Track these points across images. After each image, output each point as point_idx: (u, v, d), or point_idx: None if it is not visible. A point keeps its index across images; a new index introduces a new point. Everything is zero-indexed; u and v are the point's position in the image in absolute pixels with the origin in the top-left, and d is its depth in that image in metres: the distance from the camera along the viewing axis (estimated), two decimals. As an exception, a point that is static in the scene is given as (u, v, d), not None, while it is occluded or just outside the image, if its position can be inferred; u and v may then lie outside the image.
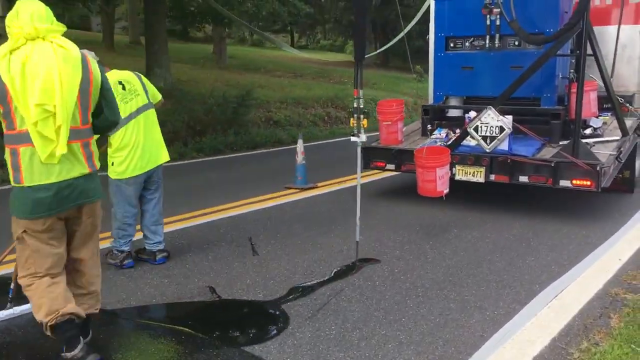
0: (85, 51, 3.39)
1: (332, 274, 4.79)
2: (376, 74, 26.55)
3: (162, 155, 5.02)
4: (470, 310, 4.09)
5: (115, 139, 4.73)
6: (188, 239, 5.70)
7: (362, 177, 8.53)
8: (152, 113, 4.94)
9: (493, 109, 6.44)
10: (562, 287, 4.51)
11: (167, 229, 5.93)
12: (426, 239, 5.72)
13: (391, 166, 7.14)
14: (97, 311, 3.45)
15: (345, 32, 36.36)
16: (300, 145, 8.30)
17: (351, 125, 5.06)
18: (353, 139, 5.10)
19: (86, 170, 3.21)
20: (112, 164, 4.81)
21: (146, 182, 4.95)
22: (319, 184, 8.30)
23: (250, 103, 13.55)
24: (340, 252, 5.34)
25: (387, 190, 7.95)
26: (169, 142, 11.35)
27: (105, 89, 3.33)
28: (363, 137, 5.05)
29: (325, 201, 7.39)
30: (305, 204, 7.24)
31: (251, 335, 3.75)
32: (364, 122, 4.98)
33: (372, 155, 7.33)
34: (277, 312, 4.06)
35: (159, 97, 5.12)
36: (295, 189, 8.07)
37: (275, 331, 3.77)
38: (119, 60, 16.80)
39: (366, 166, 7.40)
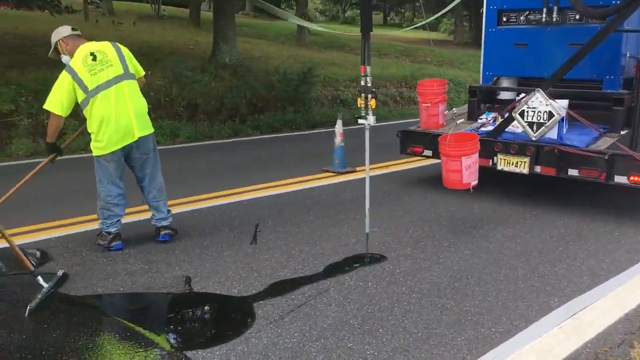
0: None
1: (323, 271, 4.34)
2: (465, 54, 25.36)
3: (142, 129, 4.60)
4: (463, 325, 3.53)
5: (86, 112, 4.47)
6: (196, 221, 5.43)
7: (401, 163, 8.13)
8: (128, 85, 4.57)
9: (542, 92, 5.69)
10: (586, 303, 3.83)
11: (182, 208, 5.74)
12: (448, 236, 5.13)
13: (428, 152, 6.54)
14: None
15: (435, 10, 34.98)
16: (339, 127, 7.84)
17: (359, 105, 4.56)
18: (360, 121, 4.60)
19: None
20: (91, 139, 4.56)
21: (129, 158, 4.68)
22: (358, 168, 7.80)
23: (312, 80, 13.14)
24: (346, 245, 4.87)
25: (424, 179, 7.32)
26: (227, 118, 11.40)
27: None
28: (371, 120, 4.54)
29: (357, 187, 6.89)
30: (333, 190, 6.78)
31: (201, 337, 3.40)
32: (372, 102, 4.46)
33: (409, 140, 6.76)
34: (243, 312, 3.69)
35: (142, 71, 4.80)
36: (332, 172, 7.64)
37: (229, 335, 3.40)
38: (201, 37, 17.00)
39: (402, 151, 6.86)
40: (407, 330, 3.46)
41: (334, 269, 4.37)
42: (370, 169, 8.06)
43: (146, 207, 4.98)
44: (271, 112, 12.20)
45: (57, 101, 4.40)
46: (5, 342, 3.25)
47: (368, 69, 4.45)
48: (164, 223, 4.87)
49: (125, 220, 4.89)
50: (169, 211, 4.94)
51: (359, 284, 4.10)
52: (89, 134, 4.57)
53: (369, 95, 4.45)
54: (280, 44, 21.04)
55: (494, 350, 3.26)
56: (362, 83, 4.49)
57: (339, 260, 4.56)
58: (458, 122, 6.51)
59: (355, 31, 22.00)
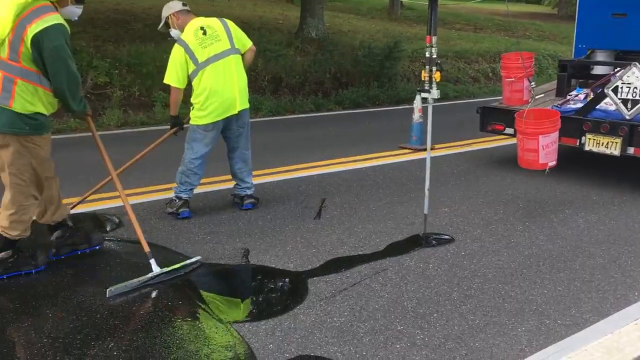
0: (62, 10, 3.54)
1: (383, 249, 4.19)
2: (569, 27, 23.84)
3: (243, 103, 4.74)
4: (526, 315, 3.29)
5: (195, 83, 4.61)
6: (265, 193, 5.39)
7: (482, 141, 7.74)
8: (235, 59, 4.71)
9: (639, 66, 5.18)
10: (671, 299, 3.47)
11: (259, 180, 5.73)
12: (523, 219, 4.82)
13: (510, 130, 6.15)
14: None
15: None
16: (417, 102, 7.57)
17: (422, 78, 4.33)
18: (423, 95, 4.37)
19: None
20: (192, 108, 4.70)
21: (227, 129, 4.79)
22: (437, 146, 7.51)
23: (398, 55, 12.80)
24: (411, 224, 4.69)
25: (505, 159, 6.91)
26: (310, 92, 11.35)
27: (44, 49, 3.34)
28: (435, 93, 4.30)
29: (433, 166, 6.62)
30: (407, 167, 6.56)
31: (250, 310, 3.36)
32: (437, 75, 4.22)
33: (490, 117, 6.40)
34: (296, 287, 3.62)
35: (249, 44, 4.86)
36: (409, 149, 7.41)
37: (278, 310, 3.34)
38: (291, 11, 17.04)
39: (482, 129, 6.51)
40: (464, 317, 3.26)
41: (395, 249, 4.21)
42: (449, 146, 7.81)
43: (215, 178, 5.02)
44: (355, 87, 12.02)
45: (174, 74, 4.59)
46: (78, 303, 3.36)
47: (434, 39, 4.22)
48: (248, 192, 4.98)
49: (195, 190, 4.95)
50: (251, 181, 5.03)
51: (419, 265, 3.93)
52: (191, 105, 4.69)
53: (434, 68, 4.22)
54: (370, 18, 20.69)
55: (558, 344, 3.01)
56: (427, 54, 4.26)
57: (402, 239, 4.38)
58: (537, 97, 6.08)
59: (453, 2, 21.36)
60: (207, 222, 4.70)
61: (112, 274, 3.72)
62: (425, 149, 7.28)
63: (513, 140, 6.91)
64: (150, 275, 3.55)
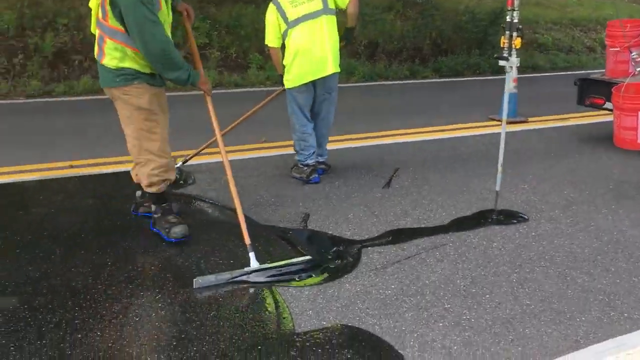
0: None
1: (447, 224, 4.02)
2: None
3: (333, 67, 4.64)
4: (589, 305, 3.04)
5: (286, 43, 4.61)
6: (339, 160, 5.33)
7: (581, 116, 7.16)
8: (327, 19, 4.60)
9: None
10: None
11: (338, 145, 5.70)
12: (610, 202, 4.45)
13: (610, 105, 5.66)
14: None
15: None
16: (513, 71, 7.11)
17: (501, 44, 4.04)
18: (501, 62, 4.09)
19: (96, 57, 3.40)
20: (285, 71, 4.69)
21: (315, 92, 4.71)
22: (531, 119, 7.10)
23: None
24: (484, 200, 4.47)
25: (602, 136, 6.33)
26: (407, 58, 11.06)
27: (119, 6, 3.21)
28: (514, 61, 4.00)
29: (522, 139, 6.29)
30: (494, 140, 6.22)
31: (297, 275, 3.34)
32: (517, 41, 3.92)
33: (590, 90, 5.93)
34: (348, 256, 3.55)
35: (346, 0, 4.67)
36: (499, 121, 7.01)
37: (325, 277, 3.30)
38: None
39: (580, 102, 6.06)
40: (519, 301, 3.07)
41: (460, 224, 4.03)
42: (543, 120, 7.34)
43: (286, 142, 5.01)
44: (455, 54, 11.58)
45: (269, 34, 4.64)
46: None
47: (516, 2, 3.91)
48: (320, 159, 4.94)
49: (262, 154, 4.99)
50: (325, 149, 4.99)
51: (482, 242, 3.74)
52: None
53: (514, 34, 3.91)
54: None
55: (617, 339, 2.77)
56: (508, 19, 3.97)
57: (470, 215, 4.19)
58: (638, 70, 5.52)
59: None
60: (275, 185, 4.72)
61: (200, 252, 3.53)
62: (517, 121, 6.93)
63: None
64: (246, 269, 3.19)
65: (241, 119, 4.95)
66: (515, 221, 4.08)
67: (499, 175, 4.20)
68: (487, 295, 3.12)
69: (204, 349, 2.60)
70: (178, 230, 3.51)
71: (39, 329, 2.70)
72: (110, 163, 5.16)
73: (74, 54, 9.11)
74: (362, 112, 7.41)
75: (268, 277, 3.19)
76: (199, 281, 3.07)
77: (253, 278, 3.16)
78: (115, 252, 3.48)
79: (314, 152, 4.78)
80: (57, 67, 8.91)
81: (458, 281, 3.25)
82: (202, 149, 4.93)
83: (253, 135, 5.95)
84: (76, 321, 2.77)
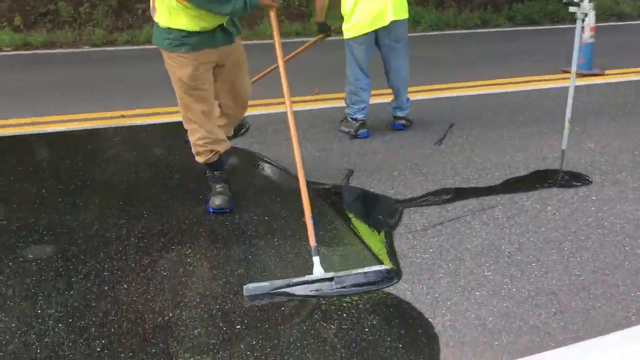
0: None
1: (500, 184, 3.77)
2: None
3: (396, 13, 4.34)
4: (648, 279, 2.77)
5: None
6: (423, 111, 5.11)
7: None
8: None
9: None
10: None
11: (388, 99, 5.44)
12: (686, 165, 4.05)
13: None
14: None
15: None
16: (590, 19, 6.58)
17: (568, -12, 3.66)
18: (572, 9, 3.72)
19: (150, 12, 3.14)
20: (344, 21, 4.48)
21: (379, 44, 4.48)
22: (608, 72, 6.57)
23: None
24: (543, 159, 4.17)
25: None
26: (479, 5, 10.48)
27: None
28: (587, 6, 3.63)
29: (597, 94, 5.85)
30: (564, 94, 5.80)
31: (329, 233, 3.20)
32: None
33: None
34: (387, 216, 3.39)
35: None
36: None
37: (358, 236, 3.16)
38: None
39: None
40: (568, 271, 2.83)
41: (514, 185, 3.77)
42: (621, 73, 6.76)
43: (334, 94, 4.84)
44: (531, 0, 10.86)
45: None
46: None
47: (586, -62, 3.50)
48: (400, 113, 4.75)
49: (312, 106, 4.84)
50: (407, 100, 4.75)
51: (535, 206, 3.48)
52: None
53: (587, -26, 3.53)
54: None
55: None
56: (579, -42, 3.57)
57: (525, 175, 3.91)
58: None
59: None
60: (323, 139, 4.58)
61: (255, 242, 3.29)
62: (592, 74, 6.43)
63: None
64: (307, 278, 2.65)
65: (269, 69, 4.68)
66: (577, 183, 3.77)
67: (566, 132, 3.89)
68: (534, 264, 2.89)
69: (226, 307, 2.53)
70: (217, 201, 3.37)
71: (69, 279, 2.72)
72: (161, 113, 5.15)
73: (138, 3, 9.16)
74: (424, 63, 7.08)
75: (335, 288, 2.62)
76: (249, 288, 2.58)
77: (316, 288, 2.61)
78: (153, 205, 3.46)
79: (364, 108, 4.59)
80: (121, 16, 9.00)
81: (503, 247, 3.04)
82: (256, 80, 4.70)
83: (305, 87, 5.79)
84: (105, 273, 2.77)
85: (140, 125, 4.88)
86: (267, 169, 4.08)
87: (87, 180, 3.79)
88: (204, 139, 3.30)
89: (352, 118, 4.60)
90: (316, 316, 2.48)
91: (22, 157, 4.22)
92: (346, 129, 4.62)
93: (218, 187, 3.43)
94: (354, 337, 2.35)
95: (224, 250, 2.99)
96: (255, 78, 4.58)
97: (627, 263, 2.90)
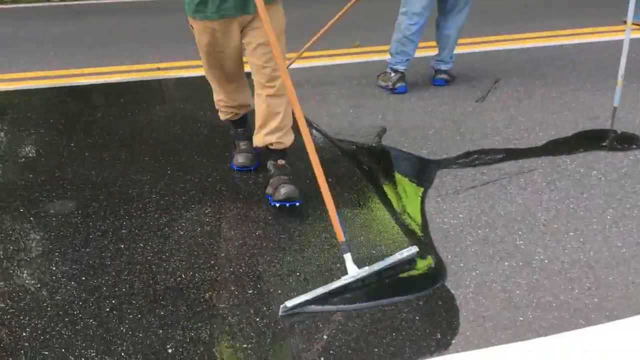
0: None
1: (543, 145, 3.53)
2: None
3: None
4: (697, 254, 2.54)
5: None
6: (468, 66, 4.86)
7: None
8: None
9: None
10: None
11: (433, 52, 5.20)
12: None
13: None
14: None
15: None
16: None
17: None
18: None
19: None
20: None
21: None
22: (673, 23, 6.04)
23: None
24: (594, 119, 3.88)
25: None
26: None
27: None
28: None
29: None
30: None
31: (352, 194, 3.07)
32: None
33: None
34: (417, 177, 3.23)
35: None
36: (635, 24, 6.05)
37: (384, 200, 3.01)
38: None
39: None
40: (608, 241, 2.63)
41: (559, 146, 3.53)
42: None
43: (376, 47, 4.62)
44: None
45: None
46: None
47: None
48: (443, 67, 4.50)
49: (351, 60, 4.65)
50: (451, 56, 4.50)
51: (579, 170, 3.24)
52: None
53: None
54: None
55: None
56: None
57: (572, 135, 3.65)
58: None
59: None
60: (358, 94, 4.40)
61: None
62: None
63: None
64: (344, 279, 2.31)
65: (328, 26, 4.51)
66: (629, 146, 3.49)
67: (618, 89, 3.60)
68: (571, 233, 2.69)
69: (240, 270, 2.46)
70: (240, 159, 3.26)
71: (87, 235, 2.70)
72: (195, 67, 5.06)
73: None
74: (474, 12, 6.69)
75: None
76: (286, 306, 2.17)
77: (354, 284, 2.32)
78: (178, 161, 3.40)
79: (407, 60, 4.35)
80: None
81: (539, 214, 2.84)
82: (304, 50, 4.57)
83: (345, 39, 5.58)
84: (123, 230, 2.74)
85: (175, 78, 4.81)
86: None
87: (116, 135, 3.75)
88: (223, 102, 3.20)
89: (392, 69, 4.38)
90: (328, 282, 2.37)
91: (54, 109, 4.22)
92: (383, 83, 4.42)
93: (242, 144, 3.32)
94: (367, 307, 2.24)
95: (244, 210, 2.91)
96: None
97: (676, 235, 2.66)
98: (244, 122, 3.32)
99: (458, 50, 5.08)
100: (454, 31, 4.36)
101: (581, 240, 2.64)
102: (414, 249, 2.51)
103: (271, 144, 2.95)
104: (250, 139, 3.29)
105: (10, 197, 3.02)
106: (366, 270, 2.35)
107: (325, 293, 2.24)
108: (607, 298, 2.28)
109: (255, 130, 2.98)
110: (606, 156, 3.38)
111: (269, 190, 2.90)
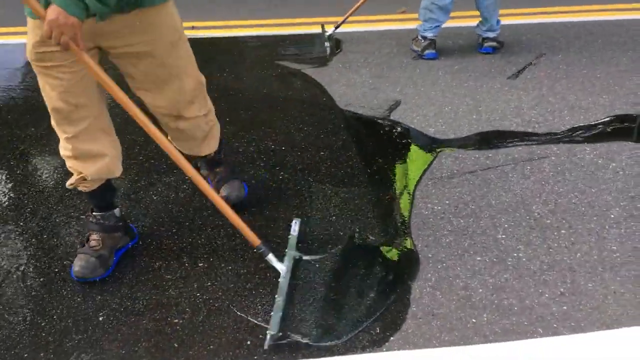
0: None
1: (563, 132, 3.24)
2: None
3: None
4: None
5: None
6: (513, 38, 4.56)
7: None
8: None
9: None
10: None
11: (474, 22, 4.90)
12: None
13: None
14: None
15: None
16: None
17: None
18: None
19: None
20: None
21: None
22: None
23: None
24: (635, 104, 3.52)
25: None
26: None
27: None
28: None
29: None
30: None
31: (347, 171, 2.94)
32: None
33: None
34: (417, 157, 3.05)
35: None
36: None
37: (374, 178, 2.87)
38: None
39: None
40: (601, 244, 2.38)
41: (582, 133, 3.22)
42: None
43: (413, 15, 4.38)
44: None
45: None
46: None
47: None
48: (490, 35, 4.29)
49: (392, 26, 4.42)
50: (498, 22, 4.27)
51: (597, 160, 2.94)
52: None
53: None
54: None
55: None
56: None
57: (600, 122, 3.32)
58: None
59: None
60: (383, 63, 4.20)
61: None
62: None
63: None
64: (286, 281, 2.05)
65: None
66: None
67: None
68: (563, 231, 2.46)
69: (199, 242, 2.42)
70: (77, 266, 2.18)
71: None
72: (232, 27, 5.01)
73: None
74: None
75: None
76: (272, 337, 1.91)
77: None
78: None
79: (437, 27, 4.15)
80: None
81: (534, 207, 2.61)
82: (349, 15, 4.42)
83: (391, 5, 5.33)
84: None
85: (213, 38, 4.77)
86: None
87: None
88: (63, 149, 2.10)
89: (421, 36, 4.21)
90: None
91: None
92: (415, 48, 4.27)
93: (91, 239, 2.23)
94: (316, 292, 2.14)
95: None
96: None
97: (682, 244, 2.37)
98: (104, 197, 2.27)
99: (507, 20, 4.75)
100: (494, 2, 4.14)
101: (572, 239, 2.41)
102: (296, 222, 2.32)
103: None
104: (110, 229, 2.27)
105: None
106: (290, 261, 2.13)
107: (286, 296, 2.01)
108: (579, 307, 2.07)
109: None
110: (633, 148, 3.05)
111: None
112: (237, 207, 2.30)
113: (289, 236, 2.27)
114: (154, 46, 1.97)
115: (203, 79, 2.24)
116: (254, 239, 2.08)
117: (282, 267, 2.08)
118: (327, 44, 4.36)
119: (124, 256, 2.32)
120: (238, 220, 2.08)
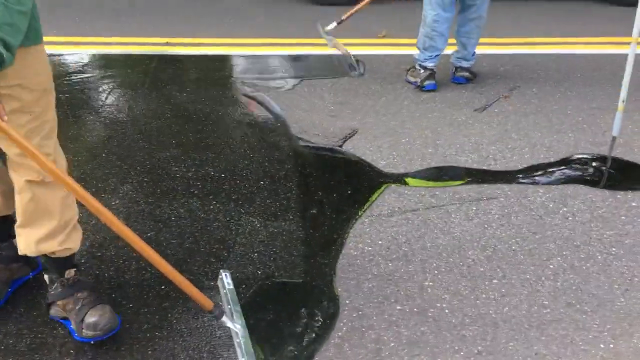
0: None
1: (523, 169, 3.09)
2: None
3: None
4: None
5: None
6: (490, 68, 4.46)
7: None
8: None
9: None
10: None
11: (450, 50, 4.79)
12: None
13: None
14: None
15: None
16: None
17: None
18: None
19: None
20: None
21: None
22: None
23: None
24: (601, 145, 3.36)
25: None
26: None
27: None
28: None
29: None
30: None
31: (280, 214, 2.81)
32: None
33: None
34: (363, 189, 2.91)
35: None
36: None
37: (300, 212, 2.73)
38: None
39: None
40: (533, 298, 2.22)
41: (538, 173, 3.07)
42: None
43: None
44: None
45: None
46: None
47: None
48: (464, 64, 4.18)
49: (373, 51, 4.31)
50: (474, 53, 4.16)
51: (548, 204, 2.79)
52: None
53: None
54: None
55: None
56: None
57: (562, 160, 3.17)
58: None
59: None
60: (350, 90, 4.10)
61: None
62: None
63: None
64: (244, 339, 1.79)
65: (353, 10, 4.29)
66: (622, 184, 2.98)
67: (619, 115, 3.06)
68: (495, 281, 2.30)
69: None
70: None
71: None
72: (208, 44, 4.93)
73: None
74: (505, 11, 6.10)
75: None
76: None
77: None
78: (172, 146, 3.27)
79: (437, 56, 4.03)
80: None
81: (470, 252, 2.46)
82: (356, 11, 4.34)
83: (372, 29, 5.23)
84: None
85: (184, 55, 4.70)
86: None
87: (120, 112, 3.67)
88: None
89: (420, 65, 4.08)
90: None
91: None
92: (412, 79, 4.13)
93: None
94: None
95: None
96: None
97: (621, 300, 2.20)
98: None
99: (486, 50, 4.62)
100: (476, 28, 4.04)
101: (502, 291, 2.25)
102: (226, 275, 2.01)
103: (52, 253, 1.93)
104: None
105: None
106: (238, 317, 1.86)
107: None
108: (490, 368, 1.91)
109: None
110: (588, 192, 2.89)
111: (72, 324, 1.95)
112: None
113: (225, 291, 1.97)
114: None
115: None
116: (207, 302, 1.77)
117: (236, 326, 1.82)
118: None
119: (22, 287, 2.19)
120: (190, 287, 1.74)
